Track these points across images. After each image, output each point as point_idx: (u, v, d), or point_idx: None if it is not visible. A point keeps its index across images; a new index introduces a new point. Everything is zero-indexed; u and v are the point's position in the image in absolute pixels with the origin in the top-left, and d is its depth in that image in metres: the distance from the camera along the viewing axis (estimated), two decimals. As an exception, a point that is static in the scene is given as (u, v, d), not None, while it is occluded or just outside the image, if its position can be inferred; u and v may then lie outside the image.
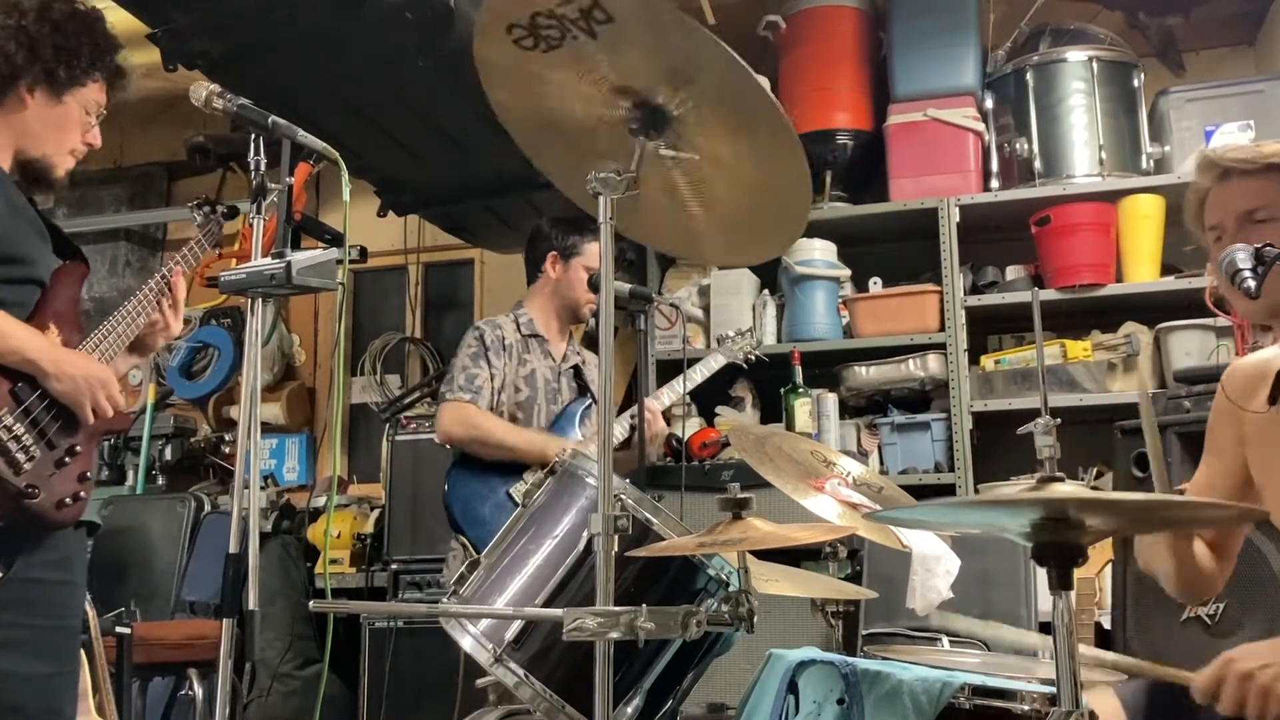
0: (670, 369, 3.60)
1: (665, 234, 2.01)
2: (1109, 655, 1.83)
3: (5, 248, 2.01)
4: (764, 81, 4.04)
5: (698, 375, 3.53)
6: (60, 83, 2.11)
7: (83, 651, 2.42)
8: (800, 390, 3.84)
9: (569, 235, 3.30)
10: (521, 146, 1.90)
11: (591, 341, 4.45)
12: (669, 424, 4.10)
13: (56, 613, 2.07)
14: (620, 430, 3.19)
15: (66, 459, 2.02)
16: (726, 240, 1.97)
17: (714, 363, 3.61)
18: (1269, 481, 1.85)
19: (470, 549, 2.98)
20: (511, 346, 3.20)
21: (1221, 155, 1.82)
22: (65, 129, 2.14)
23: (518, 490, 3.05)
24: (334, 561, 4.28)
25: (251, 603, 1.97)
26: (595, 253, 3.27)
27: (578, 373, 3.35)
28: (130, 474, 4.97)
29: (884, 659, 1.95)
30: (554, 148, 1.84)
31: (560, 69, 1.68)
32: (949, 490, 3.76)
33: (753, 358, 3.73)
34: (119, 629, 3.23)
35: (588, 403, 3.29)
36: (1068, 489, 1.37)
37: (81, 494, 2.04)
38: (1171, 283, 3.79)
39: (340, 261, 2.09)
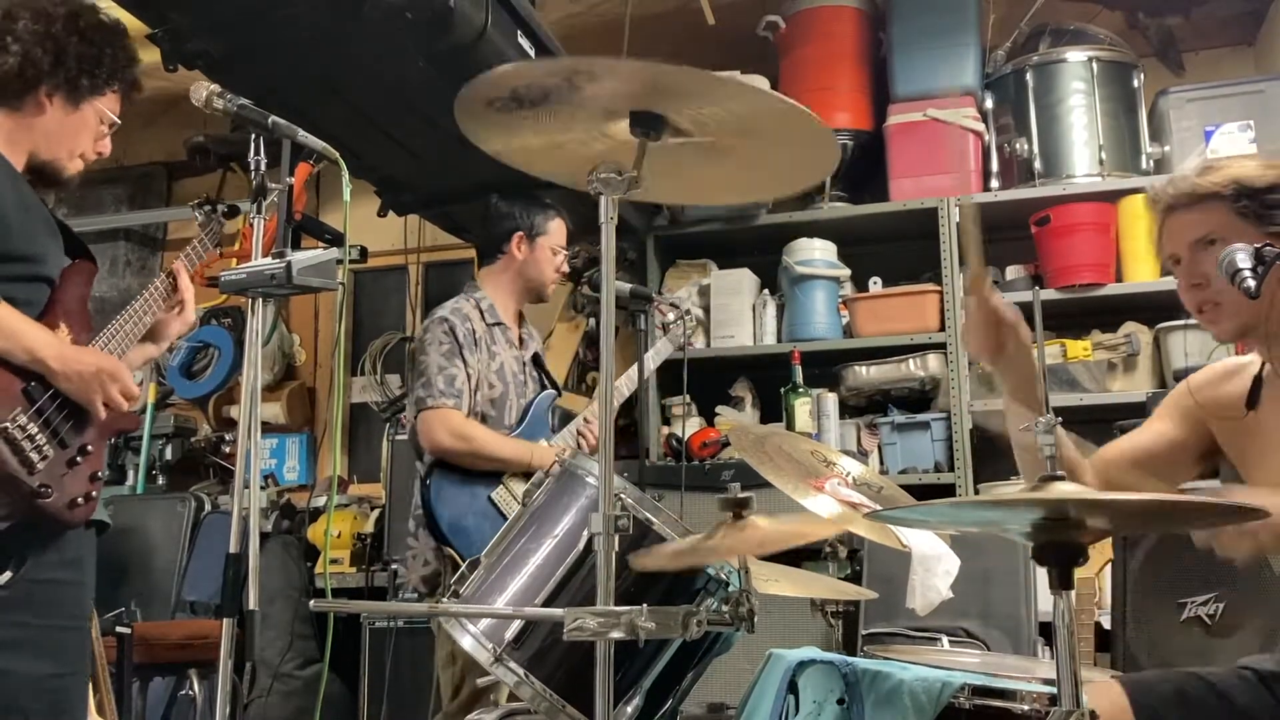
0: (669, 369, 3.58)
1: (707, 188, 1.99)
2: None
3: (18, 246, 2.02)
4: (762, 82, 4.06)
5: (650, 365, 3.40)
6: (81, 91, 2.12)
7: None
8: (800, 390, 3.84)
9: (534, 214, 3.16)
10: (536, 175, 1.91)
11: (591, 341, 4.47)
12: (668, 422, 4.10)
13: (67, 613, 2.07)
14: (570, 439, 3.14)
15: (78, 458, 2.02)
16: (768, 176, 1.96)
17: (664, 350, 3.47)
18: (1262, 482, 1.86)
19: (455, 558, 2.88)
20: (481, 340, 3.06)
21: (1161, 191, 1.87)
22: (79, 135, 2.16)
23: (499, 495, 2.98)
24: (334, 561, 4.28)
25: (251, 603, 1.97)
26: (560, 231, 3.20)
27: (537, 361, 3.25)
28: (130, 474, 4.96)
29: (884, 659, 1.95)
30: (563, 165, 1.83)
31: (550, 117, 1.67)
32: (949, 490, 3.77)
33: (690, 334, 3.62)
34: (119, 629, 3.23)
35: (554, 394, 3.21)
36: (1068, 489, 1.37)
37: (93, 494, 2.04)
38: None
39: (340, 261, 2.09)
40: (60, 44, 2.09)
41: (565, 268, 3.27)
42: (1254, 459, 1.88)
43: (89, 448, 2.04)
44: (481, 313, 3.11)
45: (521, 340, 3.22)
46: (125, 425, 2.18)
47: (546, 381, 3.26)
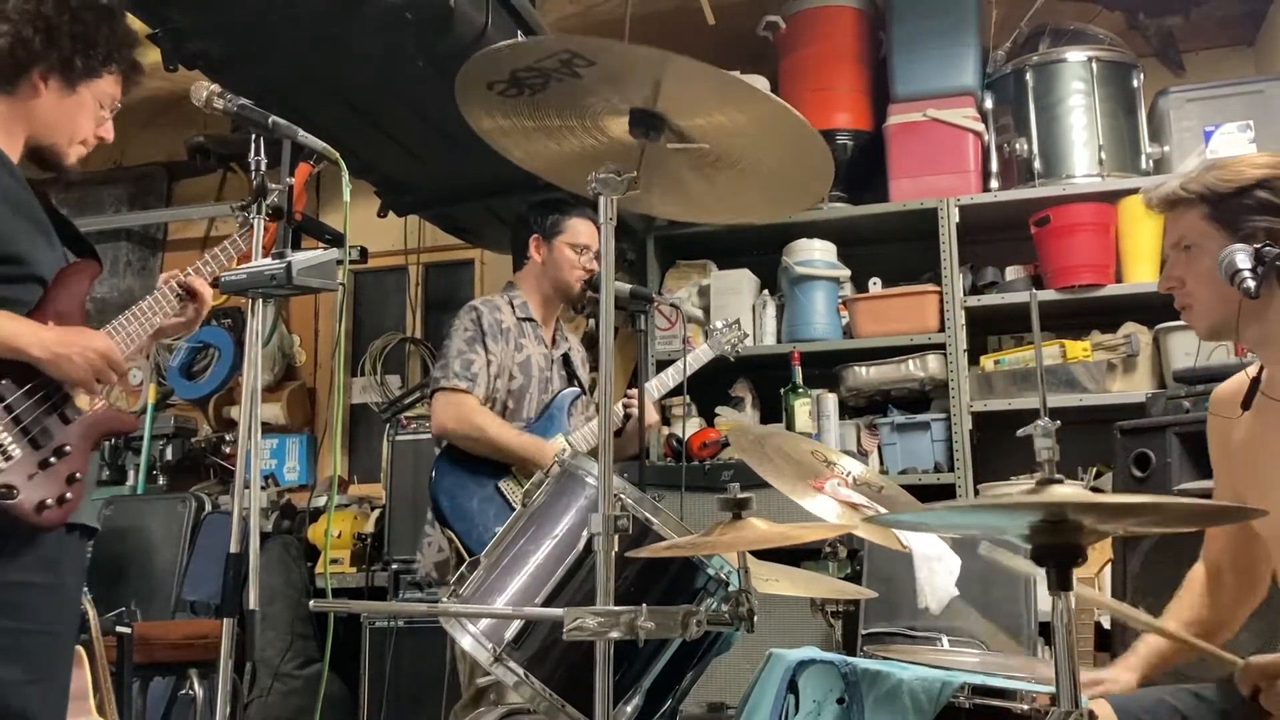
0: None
1: (702, 203, 2.00)
2: (1163, 624, 1.85)
3: (1, 246, 1.97)
4: (762, 82, 4.07)
5: (685, 368, 3.47)
6: (75, 73, 2.08)
7: (83, 651, 2.40)
8: (800, 390, 3.84)
9: (548, 215, 3.22)
10: (561, 185, 1.91)
11: (591, 341, 4.47)
12: (668, 423, 4.10)
13: (37, 617, 1.98)
14: (614, 414, 3.15)
15: (53, 459, 1.95)
16: (763, 196, 1.95)
17: (702, 355, 3.54)
18: (1253, 484, 1.86)
19: (457, 543, 2.95)
20: (509, 331, 3.13)
21: (1148, 196, 1.91)
22: (77, 119, 2.11)
23: (507, 485, 3.02)
24: (334, 561, 4.28)
25: (252, 602, 1.97)
26: (578, 229, 3.21)
27: (566, 361, 3.29)
28: (131, 474, 4.97)
29: (884, 659, 1.95)
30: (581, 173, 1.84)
31: (551, 107, 1.68)
32: (949, 490, 3.77)
33: (740, 349, 3.66)
34: (119, 629, 3.22)
35: (577, 392, 3.25)
36: (1067, 491, 1.37)
37: (68, 495, 1.95)
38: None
39: (340, 262, 2.09)
40: (51, 23, 2.04)
41: (593, 265, 3.22)
42: (1255, 464, 1.88)
43: (67, 448, 1.97)
44: (514, 308, 3.20)
45: (554, 340, 3.28)
46: (117, 427, 2.13)
47: (573, 381, 3.28)
